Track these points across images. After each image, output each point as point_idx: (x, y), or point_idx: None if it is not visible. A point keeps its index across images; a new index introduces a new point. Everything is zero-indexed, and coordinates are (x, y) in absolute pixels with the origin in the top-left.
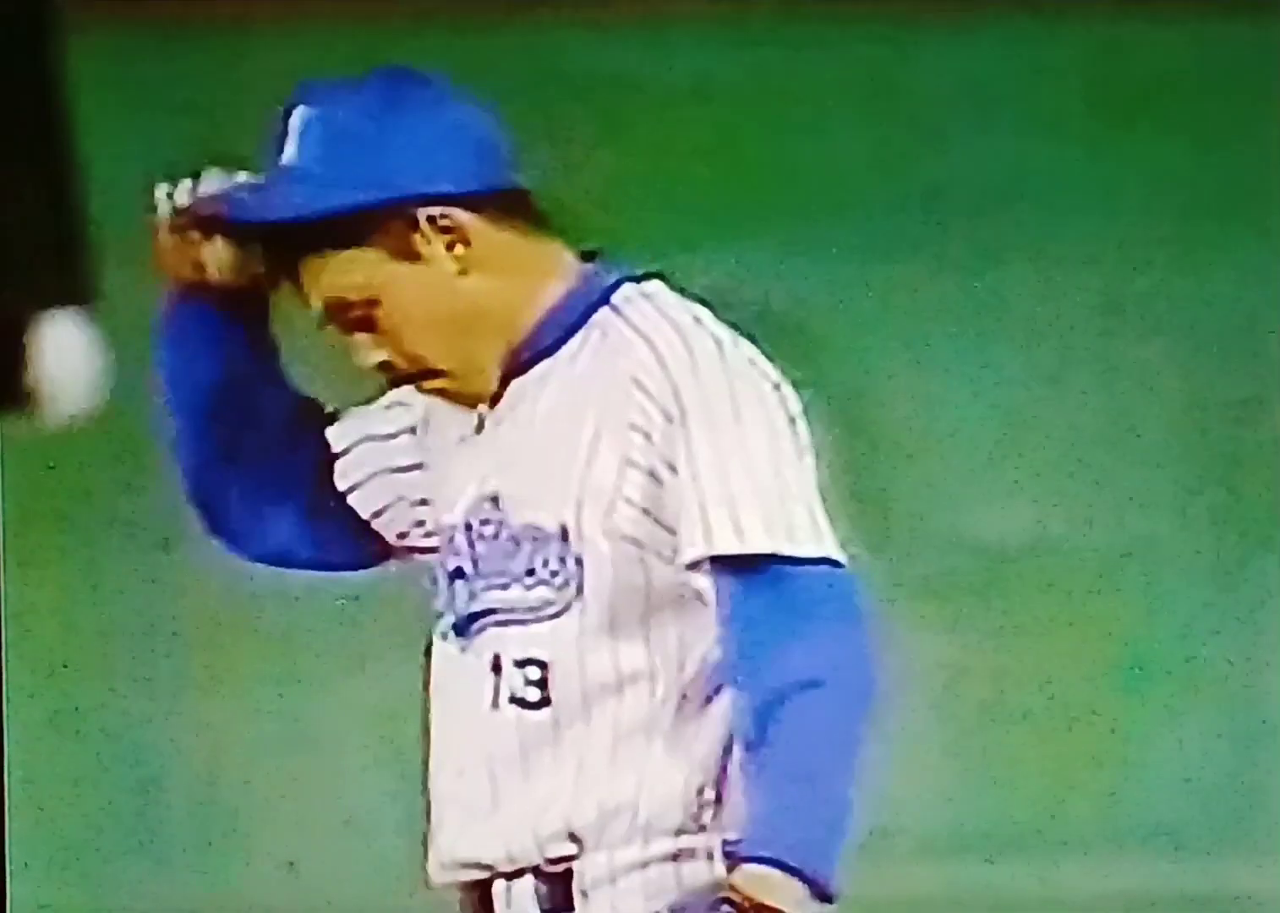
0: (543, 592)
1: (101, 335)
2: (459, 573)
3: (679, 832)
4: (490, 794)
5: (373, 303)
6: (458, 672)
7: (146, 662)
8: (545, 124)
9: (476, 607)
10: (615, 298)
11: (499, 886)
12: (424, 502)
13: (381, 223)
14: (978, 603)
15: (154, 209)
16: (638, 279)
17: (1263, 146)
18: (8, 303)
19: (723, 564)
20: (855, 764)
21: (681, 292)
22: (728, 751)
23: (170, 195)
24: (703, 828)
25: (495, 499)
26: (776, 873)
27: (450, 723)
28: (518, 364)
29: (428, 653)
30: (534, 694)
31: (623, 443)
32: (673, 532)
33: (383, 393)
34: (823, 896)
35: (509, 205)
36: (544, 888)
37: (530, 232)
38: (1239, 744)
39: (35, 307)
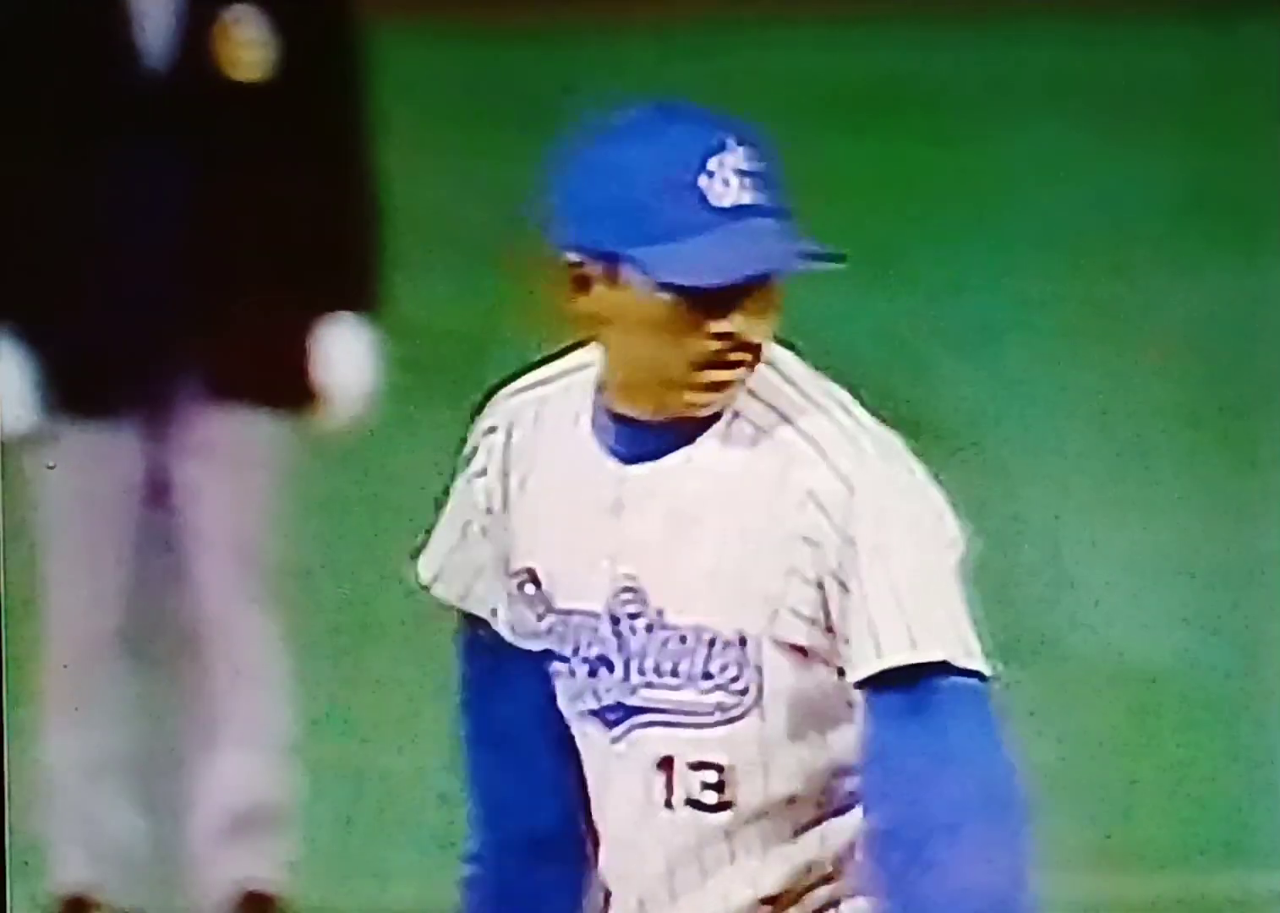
0: (720, 696)
1: (380, 341)
2: (603, 661)
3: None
4: (668, 887)
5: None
6: (614, 762)
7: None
8: None
9: (635, 702)
10: (752, 381)
11: None
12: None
13: None
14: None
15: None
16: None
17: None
18: (295, 307)
19: (881, 683)
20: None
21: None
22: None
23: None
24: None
25: (636, 590)
26: None
27: (617, 811)
28: (655, 449)
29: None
30: (711, 797)
31: (790, 553)
32: (841, 641)
33: None
34: None
35: None
36: None
37: None
38: None
39: (320, 311)
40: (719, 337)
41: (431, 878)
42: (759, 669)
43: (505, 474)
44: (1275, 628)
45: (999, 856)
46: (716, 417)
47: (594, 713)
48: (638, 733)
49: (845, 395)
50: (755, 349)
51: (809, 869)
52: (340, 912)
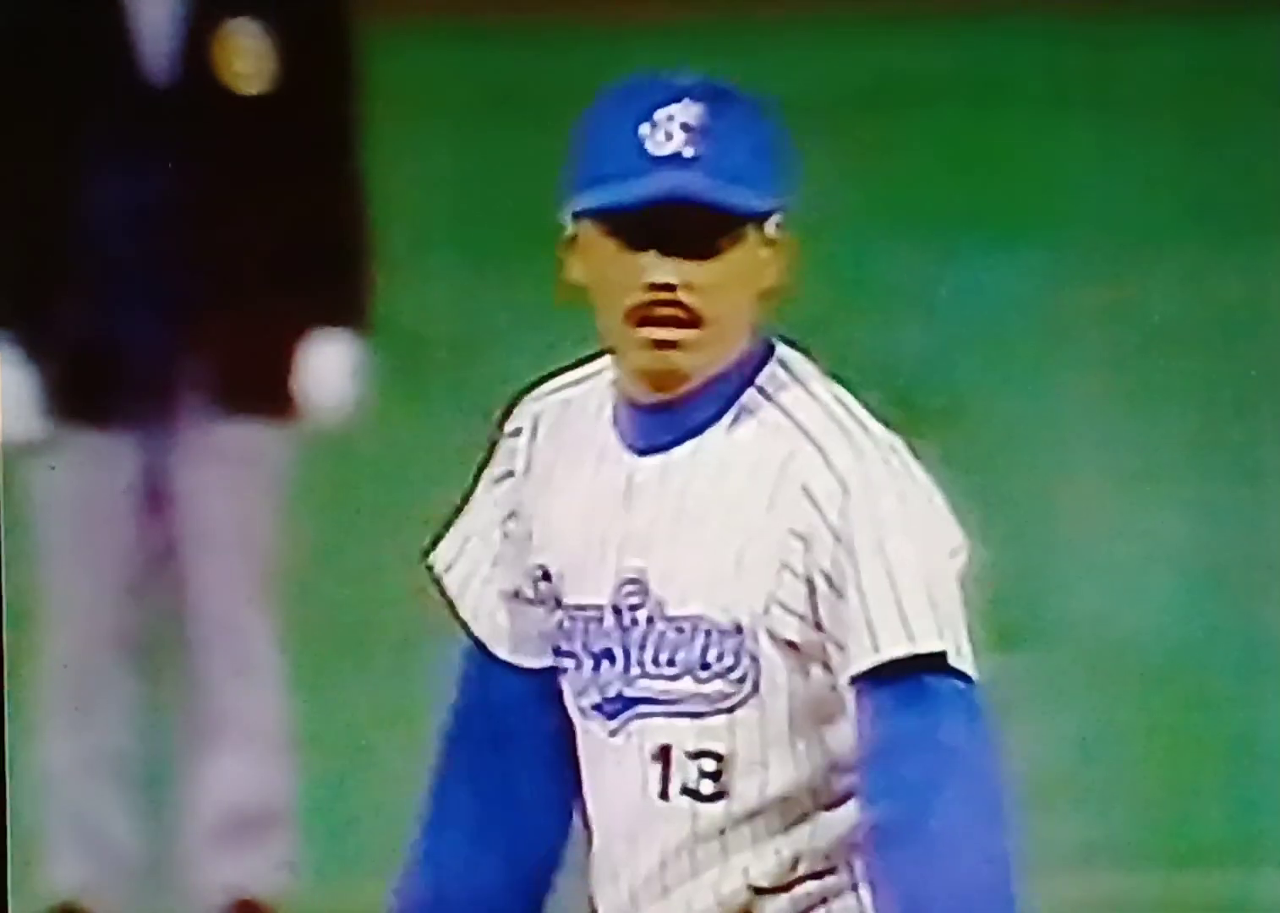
0: (719, 685)
1: (367, 352)
2: (606, 654)
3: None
4: (660, 881)
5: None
6: (610, 755)
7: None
8: None
9: (633, 693)
10: (762, 378)
11: None
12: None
13: (745, 229)
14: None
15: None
16: (772, 350)
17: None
18: (287, 319)
19: (872, 678)
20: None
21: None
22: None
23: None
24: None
25: (640, 581)
26: None
27: (610, 806)
28: (666, 440)
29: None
30: (708, 787)
31: (783, 548)
32: (831, 641)
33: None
34: None
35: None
36: None
37: None
38: None
39: (312, 324)
40: (651, 287)
41: None
42: (755, 660)
43: (529, 473)
44: (1277, 624)
45: (990, 853)
46: (725, 409)
47: (596, 707)
48: (635, 723)
49: (849, 397)
50: (687, 308)
51: (797, 863)
52: None
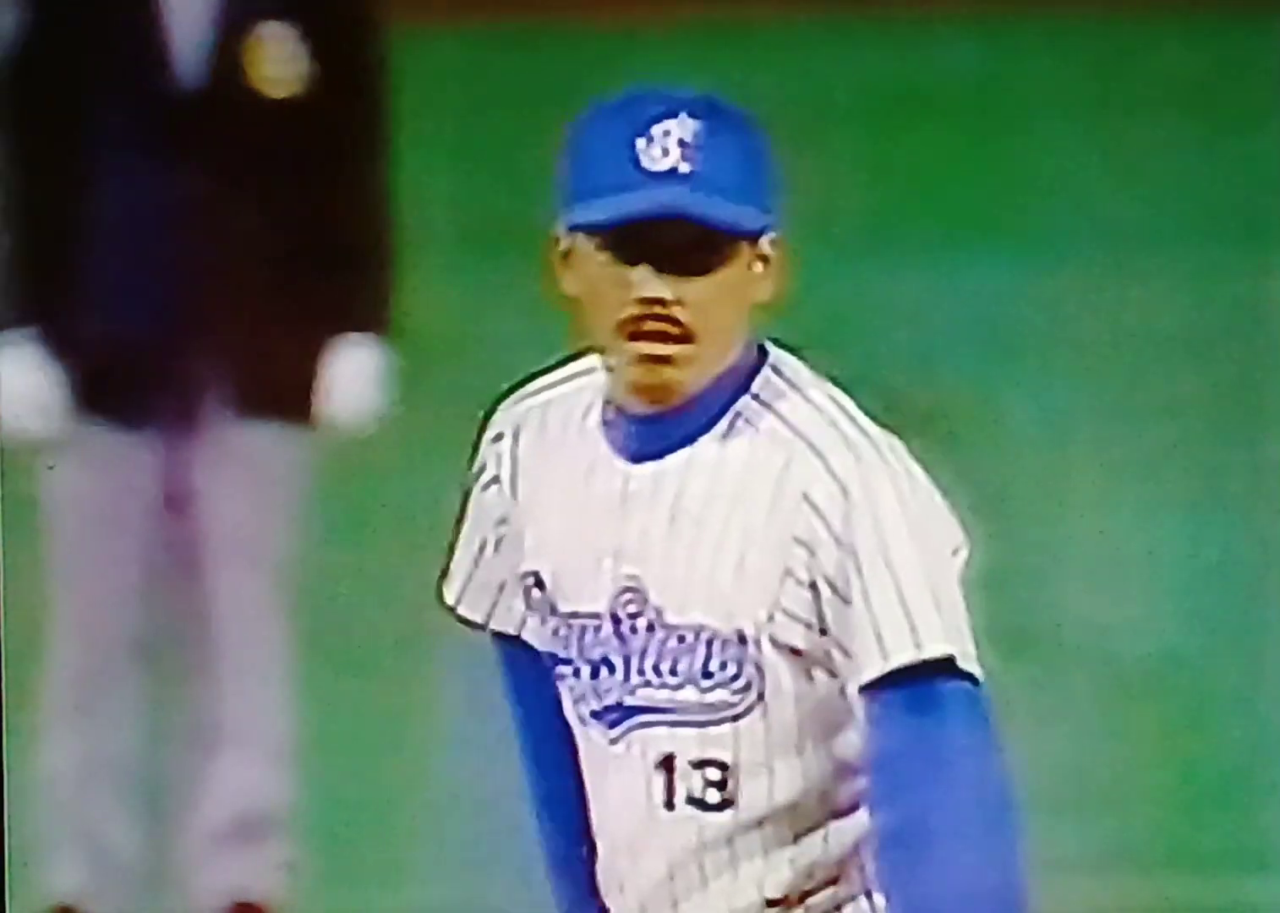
0: (722, 694)
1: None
2: (605, 662)
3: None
4: (669, 892)
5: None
6: (612, 763)
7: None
8: None
9: (634, 701)
10: (756, 384)
11: None
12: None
13: (738, 246)
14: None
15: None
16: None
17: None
18: (310, 324)
19: (884, 684)
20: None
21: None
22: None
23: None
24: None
25: (637, 590)
26: None
27: (614, 815)
28: (659, 448)
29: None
30: (714, 796)
31: (786, 556)
32: (837, 647)
33: None
34: None
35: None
36: None
37: None
38: None
39: (335, 330)
40: (643, 302)
41: (435, 885)
42: (759, 668)
43: (515, 478)
44: (1277, 626)
45: (998, 856)
46: (719, 417)
47: (595, 715)
48: (637, 733)
49: (847, 399)
50: (679, 323)
51: (812, 872)
52: None
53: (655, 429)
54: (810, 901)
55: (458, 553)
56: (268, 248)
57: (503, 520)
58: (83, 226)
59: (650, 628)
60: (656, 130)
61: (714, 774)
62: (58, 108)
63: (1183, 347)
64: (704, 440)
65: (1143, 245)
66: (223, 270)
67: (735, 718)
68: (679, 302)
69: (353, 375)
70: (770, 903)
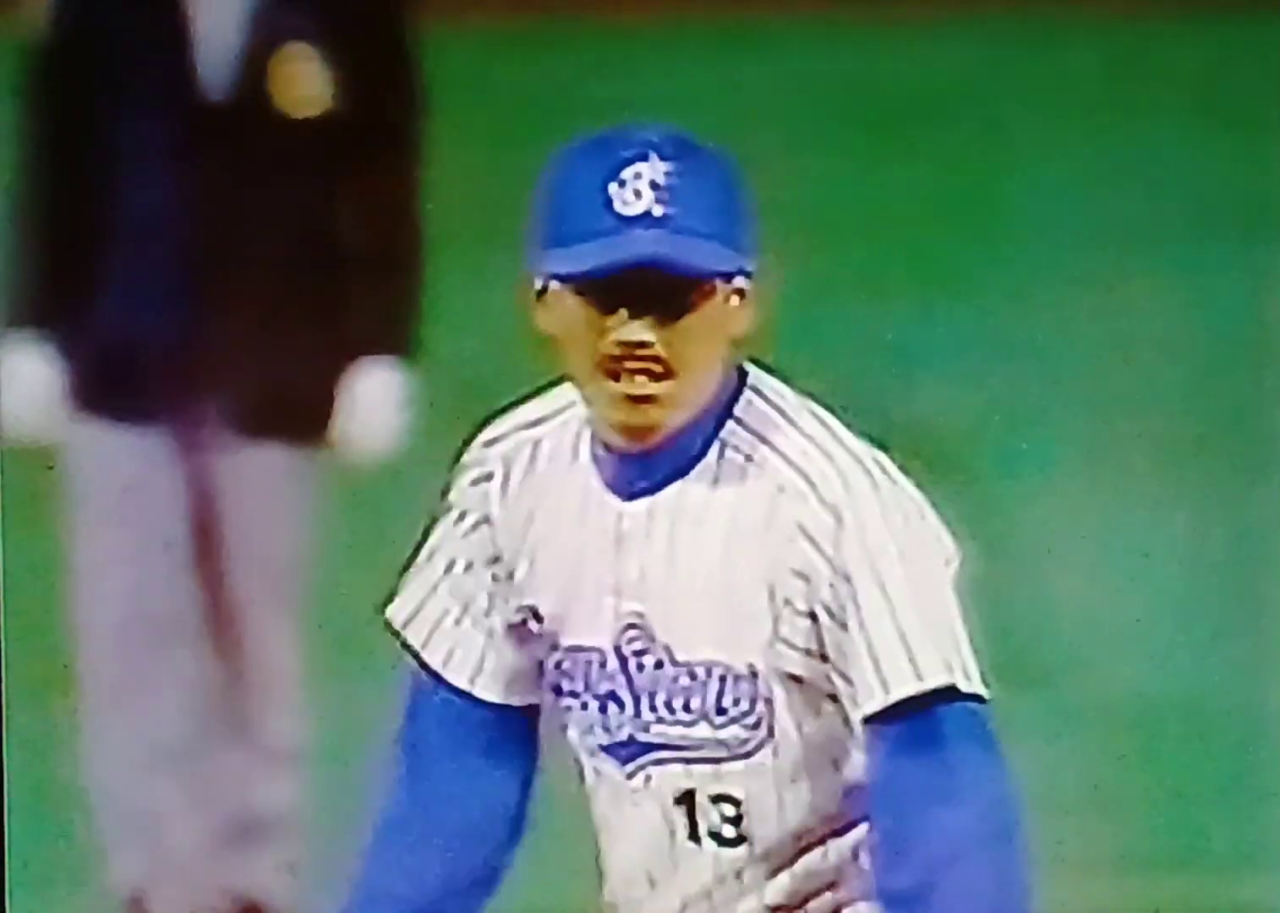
0: (734, 730)
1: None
2: (612, 697)
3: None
4: None
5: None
6: (627, 797)
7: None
8: None
9: (648, 738)
10: (739, 408)
11: None
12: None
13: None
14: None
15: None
16: (745, 376)
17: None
18: (331, 346)
19: (886, 715)
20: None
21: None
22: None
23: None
24: None
25: (641, 627)
26: None
27: (630, 847)
28: (650, 484)
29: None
30: (729, 831)
31: (782, 586)
32: (837, 674)
33: None
34: None
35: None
36: None
37: None
38: None
39: (356, 352)
40: (620, 344)
41: None
42: (769, 703)
43: (507, 517)
44: (1277, 646)
45: (1005, 879)
46: (705, 449)
47: (605, 749)
48: (654, 769)
49: (834, 420)
50: (661, 361)
51: (812, 879)
52: None
53: (643, 466)
54: (810, 905)
55: (414, 580)
56: (289, 264)
57: (495, 560)
58: (101, 231)
59: (659, 665)
60: (628, 173)
61: (729, 810)
62: (81, 112)
63: (1186, 346)
64: (694, 474)
65: (1142, 245)
66: (242, 283)
67: (748, 755)
68: (658, 342)
69: (373, 398)
70: (772, 910)
